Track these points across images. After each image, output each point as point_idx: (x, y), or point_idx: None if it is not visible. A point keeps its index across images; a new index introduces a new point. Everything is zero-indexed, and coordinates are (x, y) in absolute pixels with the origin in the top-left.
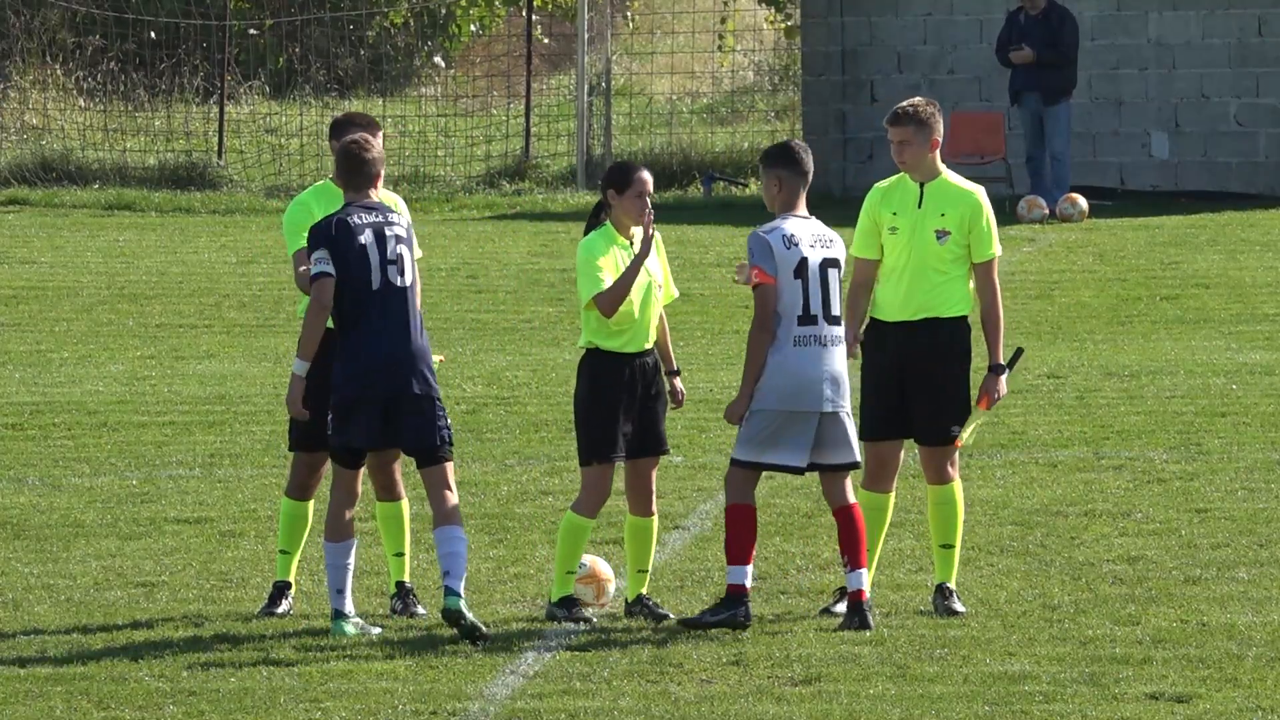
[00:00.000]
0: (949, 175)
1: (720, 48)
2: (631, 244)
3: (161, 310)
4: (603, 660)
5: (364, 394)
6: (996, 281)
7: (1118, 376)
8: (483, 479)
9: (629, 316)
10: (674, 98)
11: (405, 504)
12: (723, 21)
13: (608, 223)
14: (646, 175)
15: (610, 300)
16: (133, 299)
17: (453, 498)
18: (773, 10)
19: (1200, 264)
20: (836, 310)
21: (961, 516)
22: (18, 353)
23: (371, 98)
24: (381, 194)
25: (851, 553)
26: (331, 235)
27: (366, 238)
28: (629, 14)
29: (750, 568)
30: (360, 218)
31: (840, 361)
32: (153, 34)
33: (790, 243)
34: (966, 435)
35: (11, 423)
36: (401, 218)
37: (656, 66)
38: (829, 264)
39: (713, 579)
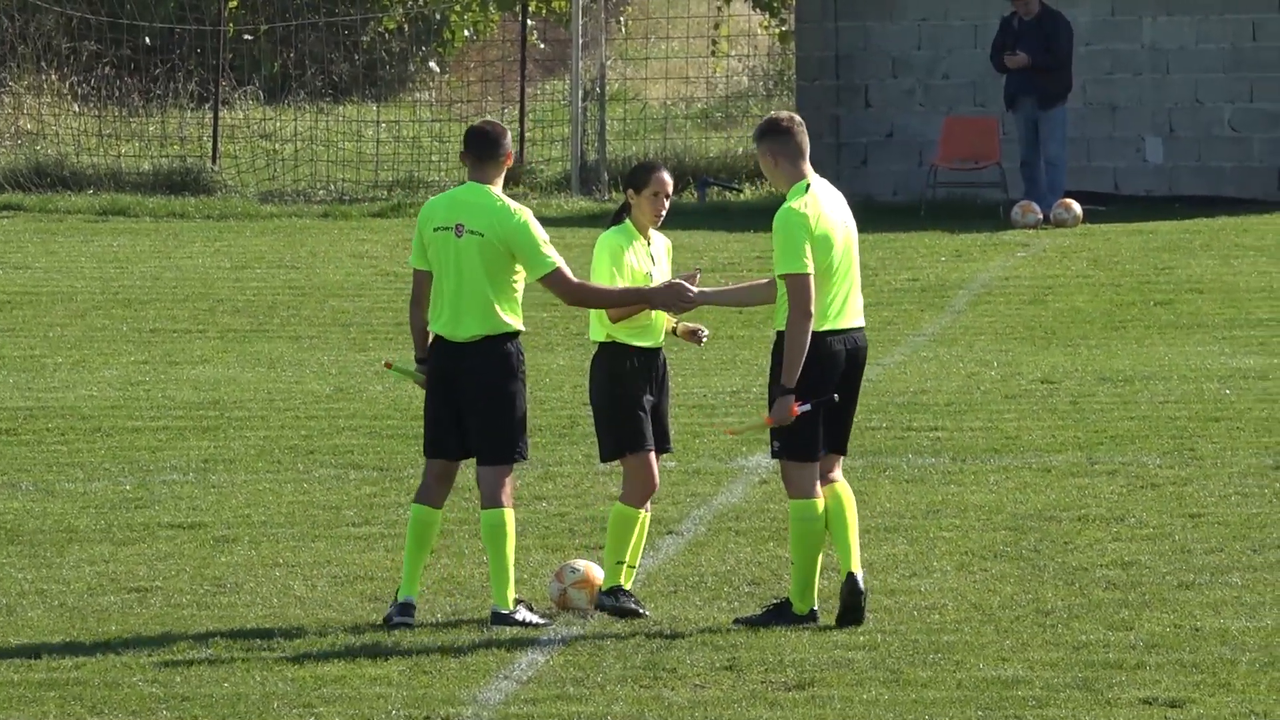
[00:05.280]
0: (802, 190)
1: (714, 53)
2: (649, 244)
3: (155, 315)
4: (596, 665)
5: None
6: (794, 301)
7: (1111, 381)
8: (475, 484)
9: (644, 313)
10: (668, 103)
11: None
12: (716, 27)
13: (627, 221)
14: (665, 176)
15: (618, 312)
16: (127, 304)
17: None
18: (767, 15)
19: (1194, 269)
20: None
21: (803, 536)
22: (12, 357)
23: (366, 103)
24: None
25: None
26: None
27: None
28: (623, 19)
29: None
30: None
31: None
32: (147, 39)
33: None
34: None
35: (5, 427)
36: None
37: (651, 71)
38: None
39: (706, 584)
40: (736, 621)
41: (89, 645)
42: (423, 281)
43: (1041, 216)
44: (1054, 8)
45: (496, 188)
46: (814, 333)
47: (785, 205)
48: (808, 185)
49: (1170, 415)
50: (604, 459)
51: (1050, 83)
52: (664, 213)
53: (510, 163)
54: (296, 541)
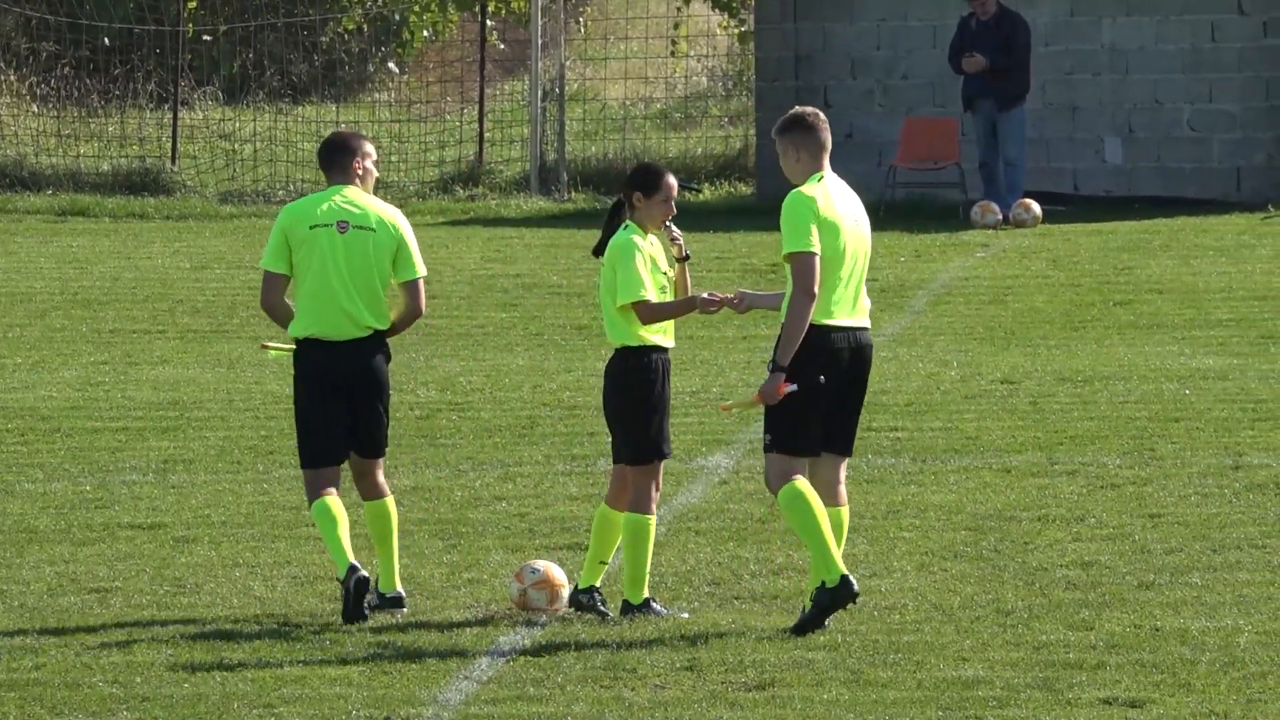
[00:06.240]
0: (815, 180)
1: (673, 53)
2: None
3: (115, 316)
4: (556, 665)
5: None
6: (797, 279)
7: (1071, 382)
8: (436, 485)
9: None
10: (627, 103)
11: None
12: (676, 27)
13: (631, 222)
14: (673, 180)
15: (654, 316)
16: (86, 305)
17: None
18: (726, 16)
19: (1154, 269)
20: None
21: (801, 516)
22: None
23: (325, 103)
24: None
25: None
26: None
27: None
28: (582, 19)
29: None
30: None
31: None
32: (106, 40)
33: None
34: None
35: None
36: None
37: (610, 72)
38: None
39: (666, 584)
40: (792, 631)
41: (49, 646)
42: (279, 284)
43: (1001, 217)
44: (1012, 8)
45: (361, 189)
46: (816, 324)
47: (794, 190)
48: (821, 177)
49: (1130, 415)
50: (633, 463)
51: (1008, 84)
52: (673, 215)
53: (360, 168)
54: (256, 542)
